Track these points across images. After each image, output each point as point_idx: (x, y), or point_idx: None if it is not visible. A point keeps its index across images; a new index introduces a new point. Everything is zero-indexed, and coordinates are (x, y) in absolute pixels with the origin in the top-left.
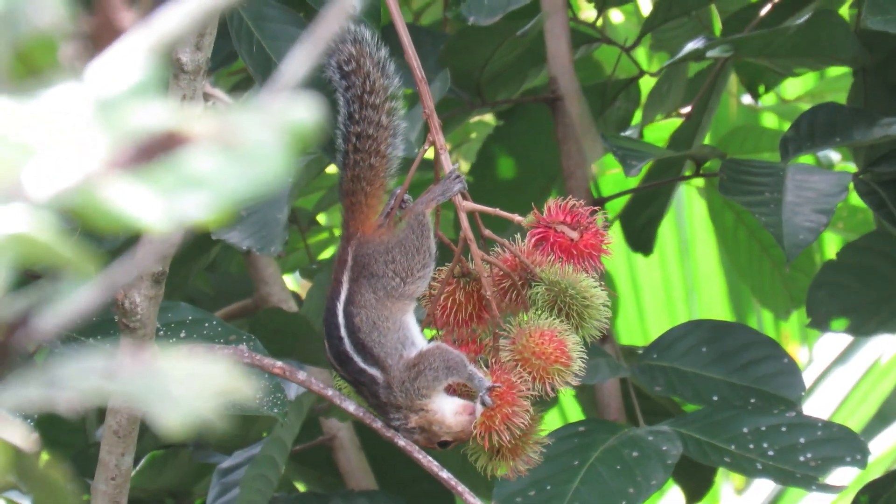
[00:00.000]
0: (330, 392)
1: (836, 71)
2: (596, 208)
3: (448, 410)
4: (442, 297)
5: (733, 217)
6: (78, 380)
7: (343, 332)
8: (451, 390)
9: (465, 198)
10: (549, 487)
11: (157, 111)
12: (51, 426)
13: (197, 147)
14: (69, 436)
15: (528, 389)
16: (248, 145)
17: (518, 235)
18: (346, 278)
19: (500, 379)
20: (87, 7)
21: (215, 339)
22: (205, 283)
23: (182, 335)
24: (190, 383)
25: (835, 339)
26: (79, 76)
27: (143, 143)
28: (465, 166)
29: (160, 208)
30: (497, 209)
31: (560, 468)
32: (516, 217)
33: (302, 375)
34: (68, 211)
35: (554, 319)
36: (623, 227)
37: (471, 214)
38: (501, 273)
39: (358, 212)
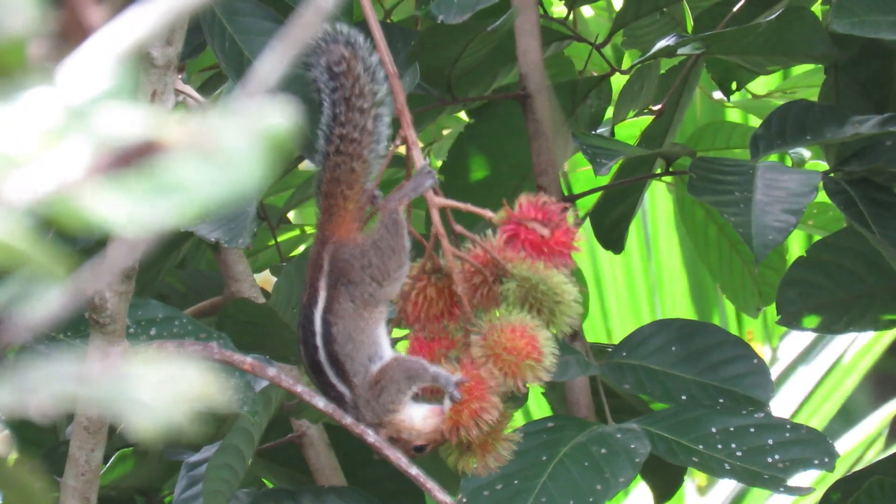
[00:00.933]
0: (300, 388)
1: (805, 67)
2: (567, 205)
3: (417, 416)
4: (413, 294)
5: (703, 214)
6: (49, 384)
7: (319, 342)
8: (420, 397)
9: (436, 193)
10: (516, 482)
11: (133, 116)
12: (21, 425)
13: (173, 153)
14: (39, 434)
15: (498, 385)
16: (224, 150)
17: (490, 231)
18: (322, 285)
19: (470, 374)
20: (57, 5)
21: (185, 336)
22: (175, 279)
23: (152, 332)
24: (161, 388)
25: (798, 338)
26: (50, 78)
27: (120, 149)
28: (437, 164)
29: (136, 214)
30: (468, 205)
31: (528, 463)
32: (488, 213)
33: (272, 371)
34: (44, 216)
35: (525, 315)
36: (593, 225)
37: (442, 210)
38: (473, 269)
39: (335, 215)
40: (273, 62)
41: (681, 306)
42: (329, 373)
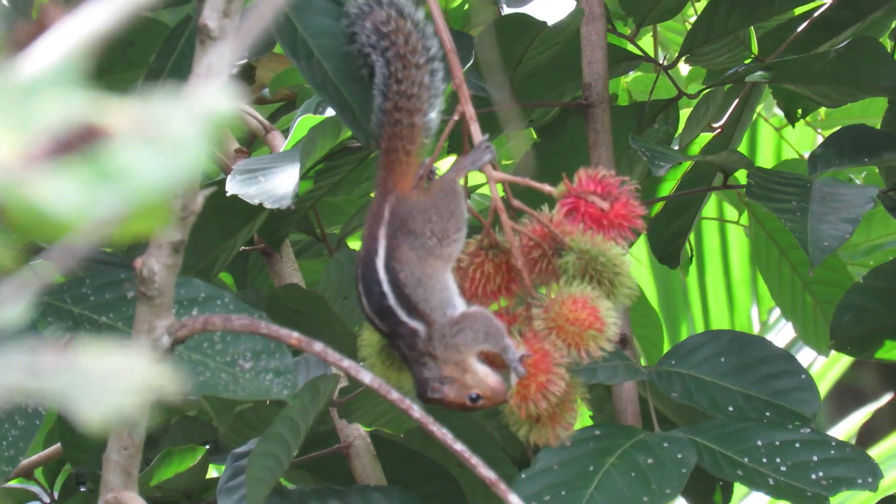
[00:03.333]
0: (346, 363)
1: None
2: (626, 178)
3: (480, 368)
4: (471, 270)
5: (777, 254)
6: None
7: (386, 288)
8: (485, 360)
9: (494, 168)
10: (563, 493)
11: (75, 103)
12: (69, 433)
13: (116, 139)
14: (87, 442)
15: (563, 356)
16: (169, 136)
17: (546, 207)
18: (382, 234)
19: (534, 348)
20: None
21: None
22: (229, 284)
23: (194, 312)
24: (111, 378)
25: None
26: None
27: (61, 135)
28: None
29: (80, 202)
30: (527, 179)
31: (575, 473)
32: (546, 187)
33: (318, 346)
34: None
35: (585, 287)
36: (650, 240)
37: (500, 185)
38: (531, 243)
39: (397, 168)
40: (223, 50)
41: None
42: (400, 313)
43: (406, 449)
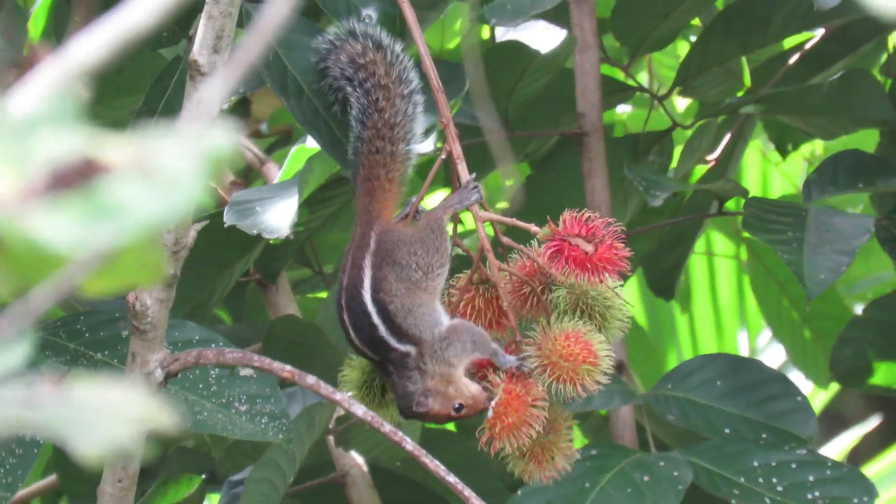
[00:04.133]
0: (338, 396)
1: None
2: (611, 220)
3: (463, 380)
4: (461, 305)
5: (776, 289)
6: None
7: (376, 319)
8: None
9: (482, 207)
10: None
11: (74, 138)
12: (65, 463)
13: (114, 174)
14: (84, 472)
15: (540, 397)
16: (166, 171)
17: (535, 241)
18: (368, 263)
19: (508, 389)
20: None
21: None
22: (224, 317)
23: None
24: (107, 411)
25: None
26: None
27: (58, 171)
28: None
29: (76, 237)
30: (514, 219)
31: (573, 490)
32: (533, 227)
33: (311, 379)
34: None
35: (577, 321)
36: (645, 273)
37: (488, 224)
38: (521, 279)
39: (379, 196)
40: (217, 84)
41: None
42: (392, 341)
43: (404, 478)
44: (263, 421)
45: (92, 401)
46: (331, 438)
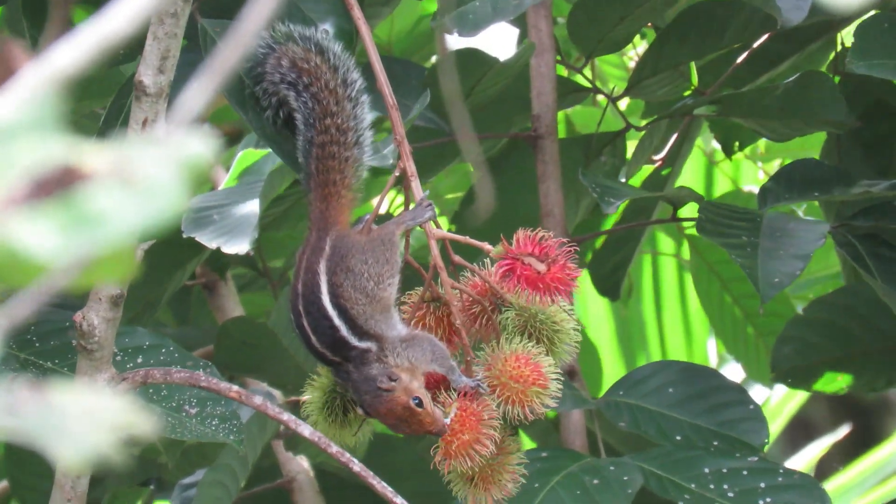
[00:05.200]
0: (286, 416)
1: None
2: (564, 240)
3: (424, 390)
4: (413, 322)
5: (719, 286)
6: None
7: (337, 322)
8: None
9: (435, 225)
10: None
11: (53, 147)
12: (17, 469)
13: (94, 182)
14: (35, 479)
15: (493, 417)
16: (145, 180)
17: (488, 260)
18: (322, 269)
19: (463, 406)
20: None
21: (172, 364)
22: (169, 320)
23: (139, 360)
24: (87, 418)
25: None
26: None
27: (39, 178)
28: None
29: (57, 245)
30: (467, 237)
31: (520, 490)
32: (486, 246)
33: (258, 400)
34: None
35: (526, 343)
36: (591, 273)
37: (440, 243)
38: (471, 299)
39: (333, 202)
40: (196, 92)
41: (607, 350)
42: (352, 339)
43: (350, 482)
44: (214, 423)
45: (71, 407)
46: (279, 443)
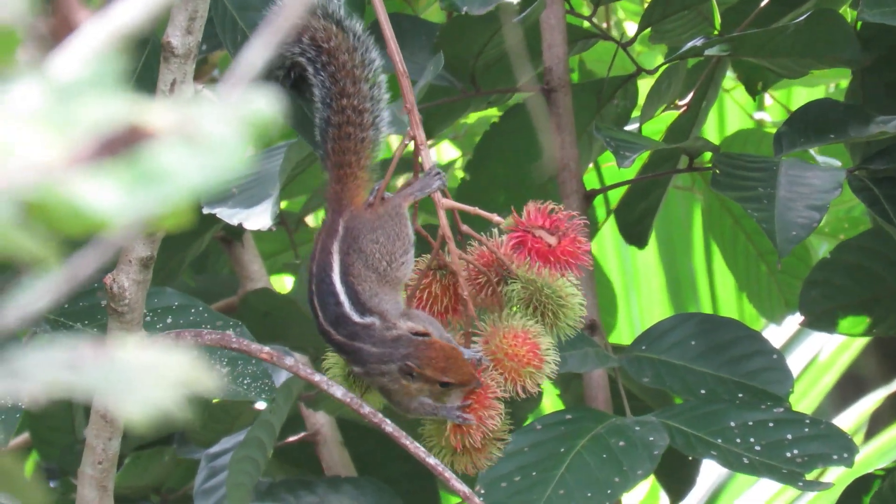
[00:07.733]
0: (317, 378)
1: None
2: (574, 213)
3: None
4: (418, 290)
5: (731, 222)
6: (40, 371)
7: (343, 298)
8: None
9: (444, 195)
10: (534, 474)
11: (117, 105)
12: (37, 423)
13: (157, 140)
14: (55, 434)
15: (499, 389)
16: (208, 137)
17: (496, 230)
18: (336, 249)
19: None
20: (45, 6)
21: (202, 324)
22: (191, 281)
23: (168, 321)
24: (151, 374)
25: (776, 333)
26: (37, 72)
27: (104, 137)
28: (462, 161)
29: (120, 203)
30: (476, 208)
31: (546, 454)
32: (495, 217)
33: (290, 361)
34: (28, 206)
35: (528, 319)
36: (618, 220)
37: (449, 212)
38: (478, 270)
39: (350, 183)
40: (258, 49)
41: (656, 304)
42: (354, 315)
43: (372, 433)
44: (245, 382)
45: (135, 363)
46: (299, 403)
